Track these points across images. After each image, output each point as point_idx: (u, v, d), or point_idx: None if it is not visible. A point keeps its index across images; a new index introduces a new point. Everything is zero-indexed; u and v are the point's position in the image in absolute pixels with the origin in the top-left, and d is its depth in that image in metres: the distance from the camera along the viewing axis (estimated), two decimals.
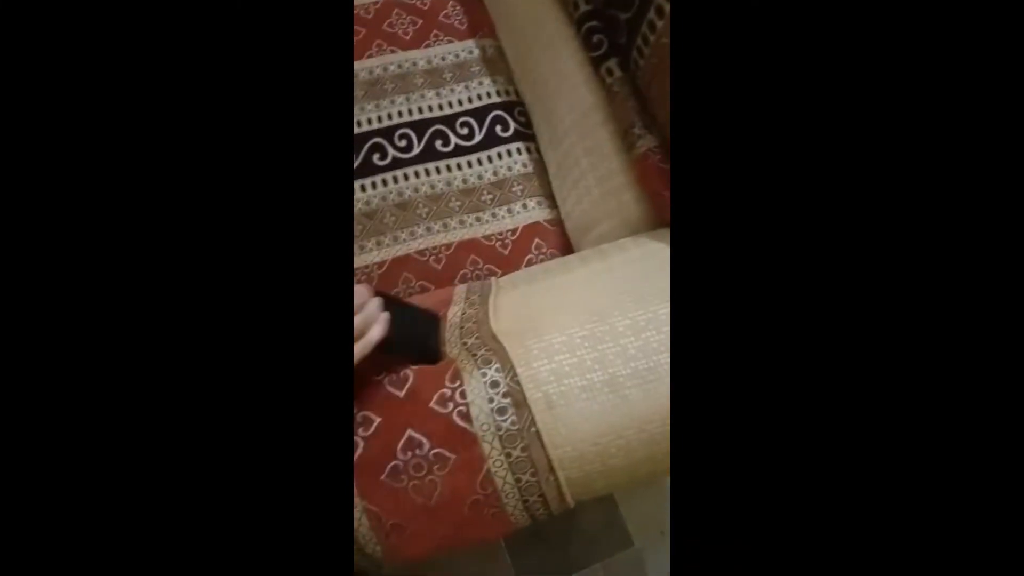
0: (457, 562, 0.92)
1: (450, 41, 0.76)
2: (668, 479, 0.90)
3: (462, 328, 0.45)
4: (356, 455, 0.40)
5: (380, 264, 0.64)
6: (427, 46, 0.76)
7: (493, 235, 0.65)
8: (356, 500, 0.39)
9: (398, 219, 0.66)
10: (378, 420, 0.40)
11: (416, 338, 0.45)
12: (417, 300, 0.58)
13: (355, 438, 0.40)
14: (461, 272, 0.64)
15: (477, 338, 0.44)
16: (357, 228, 0.65)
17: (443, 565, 0.91)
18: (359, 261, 0.64)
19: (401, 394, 0.41)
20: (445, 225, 0.66)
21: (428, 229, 0.65)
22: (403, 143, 0.69)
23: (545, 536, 0.94)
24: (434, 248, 0.64)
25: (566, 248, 0.65)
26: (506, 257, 0.64)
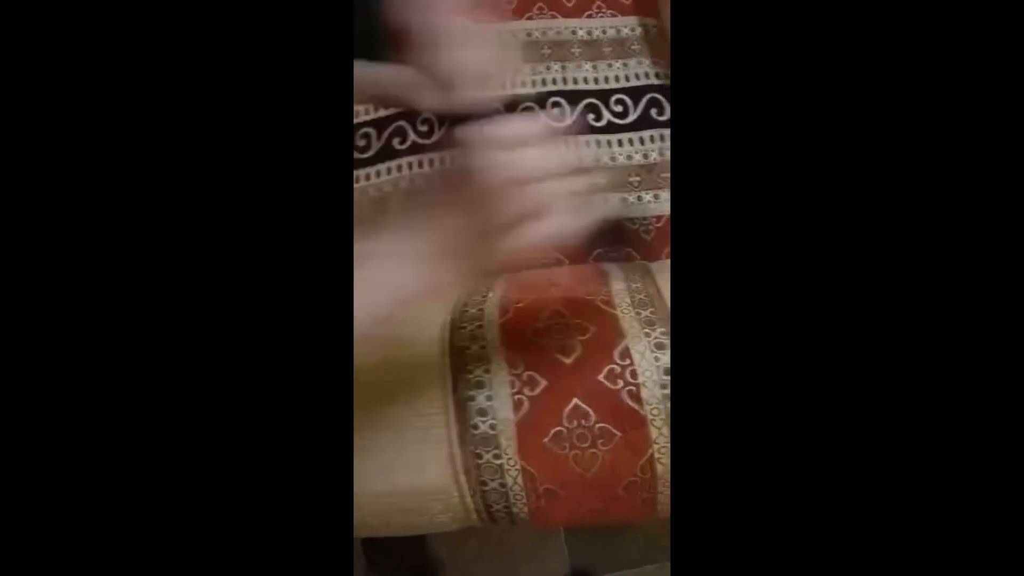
0: (512, 538, 0.93)
1: (613, 15, 0.74)
2: None
3: (632, 298, 0.44)
4: (519, 414, 0.40)
5: None
6: (589, 16, 0.74)
7: (637, 219, 0.63)
8: (514, 458, 0.39)
9: None
10: (544, 383, 0.40)
11: None
12: (557, 271, 0.57)
13: (519, 396, 0.40)
14: (596, 251, 0.62)
15: (652, 311, 0.43)
16: None
17: (499, 540, 0.92)
18: None
19: (569, 361, 0.41)
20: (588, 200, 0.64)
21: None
22: (555, 112, 0.68)
23: (603, 529, 0.94)
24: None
25: None
26: (647, 244, 0.62)
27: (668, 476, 0.39)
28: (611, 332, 0.42)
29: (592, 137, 0.68)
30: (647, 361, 0.40)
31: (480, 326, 0.43)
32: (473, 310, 0.45)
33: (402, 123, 0.68)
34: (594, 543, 0.93)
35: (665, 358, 0.40)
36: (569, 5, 0.75)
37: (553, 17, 0.74)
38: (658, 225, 0.64)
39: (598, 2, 0.75)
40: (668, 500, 0.40)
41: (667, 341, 0.41)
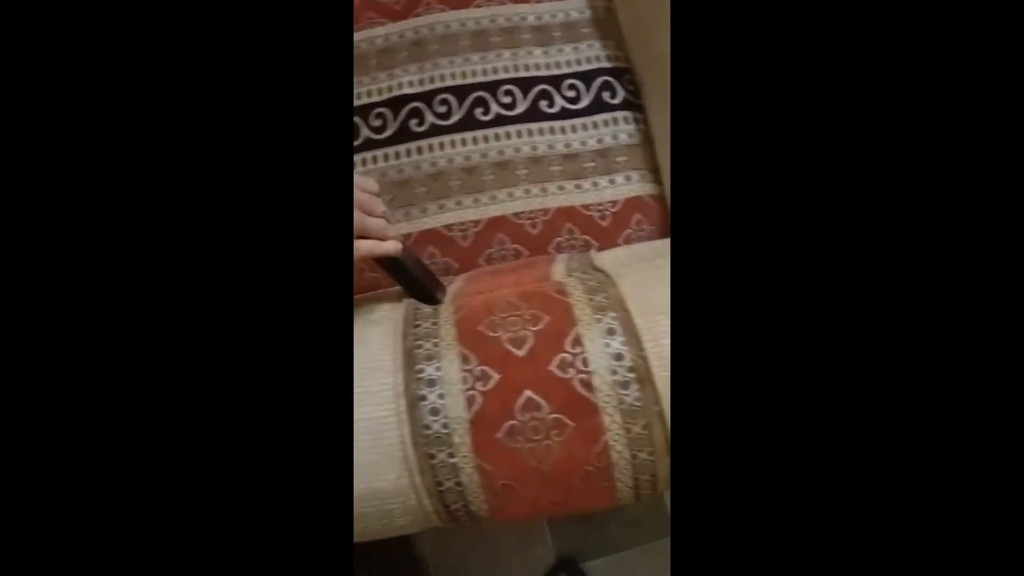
0: (497, 532, 0.92)
1: None
2: None
3: (584, 285, 0.44)
4: (472, 410, 0.39)
5: (475, 222, 0.62)
6: (538, 0, 0.73)
7: (592, 205, 0.63)
8: (469, 456, 0.38)
9: (497, 178, 0.64)
10: (497, 377, 0.39)
11: (422, 280, 0.48)
12: (510, 265, 0.57)
13: (471, 392, 0.39)
14: (556, 240, 0.62)
15: (606, 297, 0.42)
16: (455, 184, 0.63)
17: (483, 534, 0.92)
18: (455, 217, 0.62)
19: (521, 353, 0.40)
20: (544, 189, 0.63)
21: (527, 192, 0.63)
22: (507, 100, 0.67)
23: (585, 516, 0.94)
24: (531, 212, 0.62)
25: (667, 227, 0.63)
26: (604, 229, 0.62)
27: (624, 464, 0.39)
28: (564, 321, 0.41)
29: (546, 124, 0.67)
30: (598, 348, 0.39)
31: (435, 323, 0.42)
32: (427, 308, 0.44)
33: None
34: (578, 531, 0.93)
35: (615, 344, 0.39)
36: None
37: (501, 3, 0.73)
38: (614, 210, 0.63)
39: None
40: (627, 487, 0.40)
41: (617, 327, 0.40)
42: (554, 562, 0.92)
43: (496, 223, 0.63)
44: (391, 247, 0.43)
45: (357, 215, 0.40)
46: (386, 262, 0.45)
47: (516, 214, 0.63)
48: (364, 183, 0.43)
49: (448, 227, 0.63)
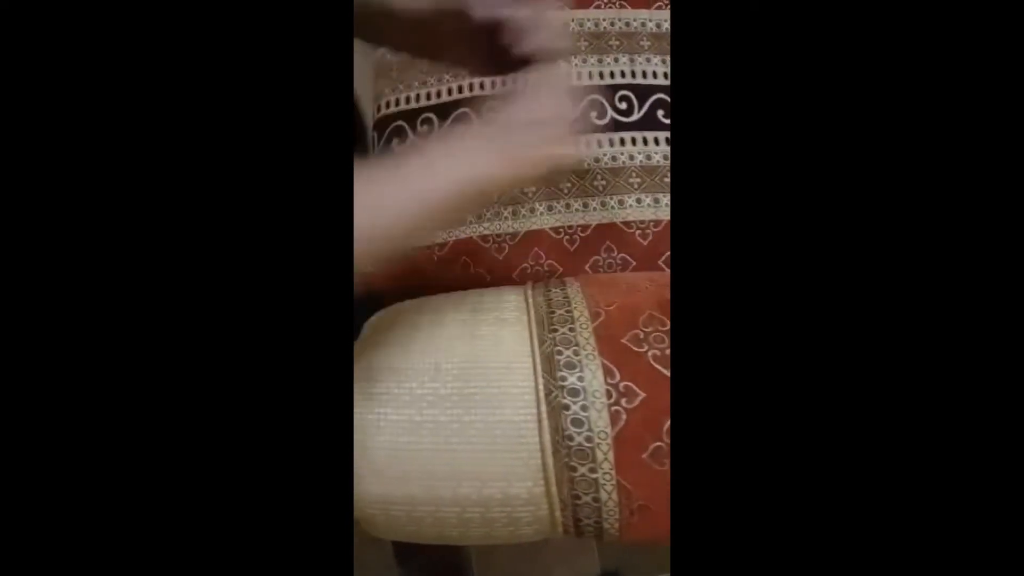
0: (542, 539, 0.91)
1: None
2: None
3: None
4: (617, 427, 0.38)
5: (584, 227, 0.61)
6: (657, 7, 0.71)
7: None
8: (611, 473, 0.37)
9: (609, 184, 0.63)
10: (643, 395, 0.38)
11: None
12: (634, 275, 0.55)
13: (616, 408, 0.38)
14: (665, 255, 0.60)
15: None
16: (567, 185, 0.62)
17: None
18: (562, 220, 0.61)
19: (668, 372, 0.39)
20: (656, 200, 0.62)
21: (639, 201, 0.62)
22: (623, 105, 0.65)
23: None
24: (642, 222, 0.61)
25: None
26: None
27: None
28: None
29: (661, 134, 0.65)
30: None
31: (572, 329, 0.41)
32: (560, 311, 0.43)
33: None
34: (626, 547, 0.92)
35: None
36: None
37: (622, 7, 0.71)
38: None
39: None
40: None
41: None
42: (598, 574, 0.91)
43: (604, 230, 0.62)
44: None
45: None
46: None
47: (626, 223, 0.62)
48: None
49: (555, 229, 0.62)
